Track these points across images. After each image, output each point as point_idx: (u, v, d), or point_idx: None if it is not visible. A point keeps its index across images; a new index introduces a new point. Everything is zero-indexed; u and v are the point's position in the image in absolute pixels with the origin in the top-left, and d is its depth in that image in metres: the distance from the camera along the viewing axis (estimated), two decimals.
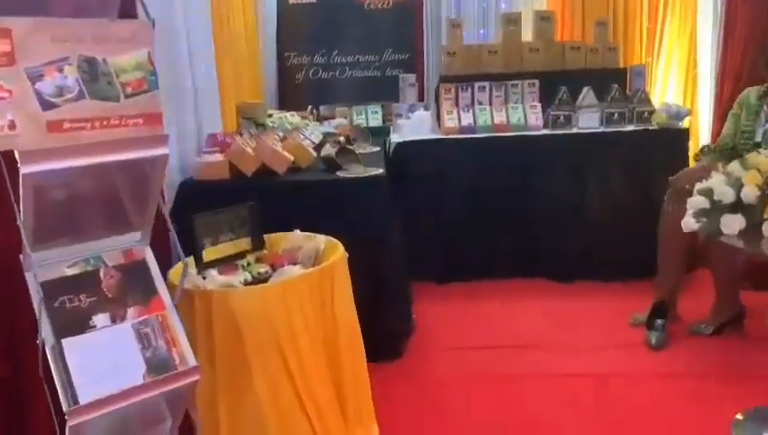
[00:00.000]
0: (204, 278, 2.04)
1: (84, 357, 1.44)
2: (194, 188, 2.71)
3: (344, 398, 2.10)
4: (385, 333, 2.74)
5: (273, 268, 2.17)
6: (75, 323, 1.48)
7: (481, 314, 3.29)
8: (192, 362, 1.57)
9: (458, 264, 3.69)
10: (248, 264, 2.22)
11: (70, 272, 1.54)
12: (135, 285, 1.60)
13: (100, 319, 1.51)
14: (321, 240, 2.21)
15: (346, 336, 2.09)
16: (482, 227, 3.64)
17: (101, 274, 1.57)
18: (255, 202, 2.27)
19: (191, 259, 2.14)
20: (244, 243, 2.26)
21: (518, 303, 3.41)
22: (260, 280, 2.09)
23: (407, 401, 2.50)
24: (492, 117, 3.75)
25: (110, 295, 1.55)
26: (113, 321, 1.53)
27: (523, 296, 3.49)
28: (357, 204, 2.64)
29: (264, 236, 2.28)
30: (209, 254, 2.17)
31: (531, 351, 2.85)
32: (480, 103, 3.80)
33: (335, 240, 2.20)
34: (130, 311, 1.56)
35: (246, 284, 2.06)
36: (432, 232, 3.66)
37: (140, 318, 1.56)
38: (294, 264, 2.17)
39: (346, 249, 2.12)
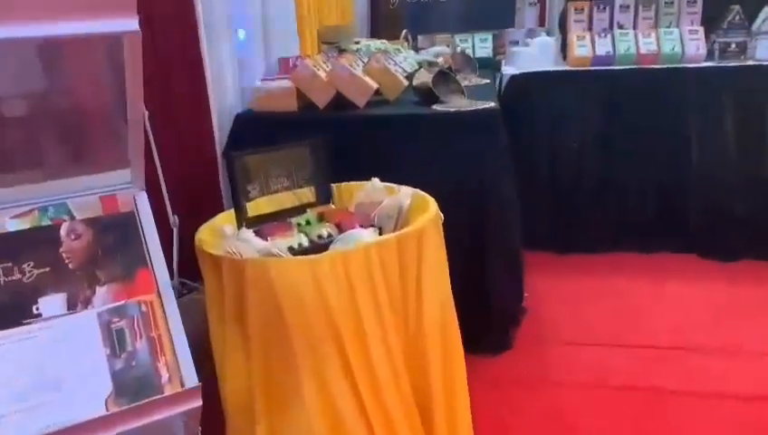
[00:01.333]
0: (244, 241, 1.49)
1: (14, 366, 0.91)
2: (251, 121, 2.26)
3: (430, 411, 1.55)
4: (488, 318, 2.21)
5: (340, 229, 1.63)
6: (10, 309, 0.96)
7: (612, 297, 2.72)
8: (192, 380, 1.00)
9: (584, 231, 3.17)
10: (307, 222, 1.69)
11: (13, 226, 1.01)
12: (114, 250, 1.06)
13: (51, 303, 0.99)
14: (406, 194, 1.66)
15: (436, 327, 1.53)
16: (617, 186, 3.13)
17: (63, 231, 1.04)
18: (322, 138, 1.70)
19: (231, 213, 1.62)
20: (305, 193, 1.79)
21: (662, 285, 2.83)
22: (319, 246, 1.51)
23: (513, 409, 1.99)
24: (637, 45, 3.16)
25: (71, 266, 1.02)
26: (72, 307, 0.99)
27: (669, 277, 2.91)
28: (458, 147, 2.07)
29: (333, 185, 1.83)
30: (256, 206, 1.65)
31: (678, 354, 2.28)
32: (621, 27, 3.23)
33: (426, 195, 1.64)
34: (101, 292, 1.01)
35: (298, 251, 1.48)
36: (552, 190, 3.17)
37: (114, 304, 1.00)
38: (368, 226, 1.60)
39: (441, 207, 1.58)
